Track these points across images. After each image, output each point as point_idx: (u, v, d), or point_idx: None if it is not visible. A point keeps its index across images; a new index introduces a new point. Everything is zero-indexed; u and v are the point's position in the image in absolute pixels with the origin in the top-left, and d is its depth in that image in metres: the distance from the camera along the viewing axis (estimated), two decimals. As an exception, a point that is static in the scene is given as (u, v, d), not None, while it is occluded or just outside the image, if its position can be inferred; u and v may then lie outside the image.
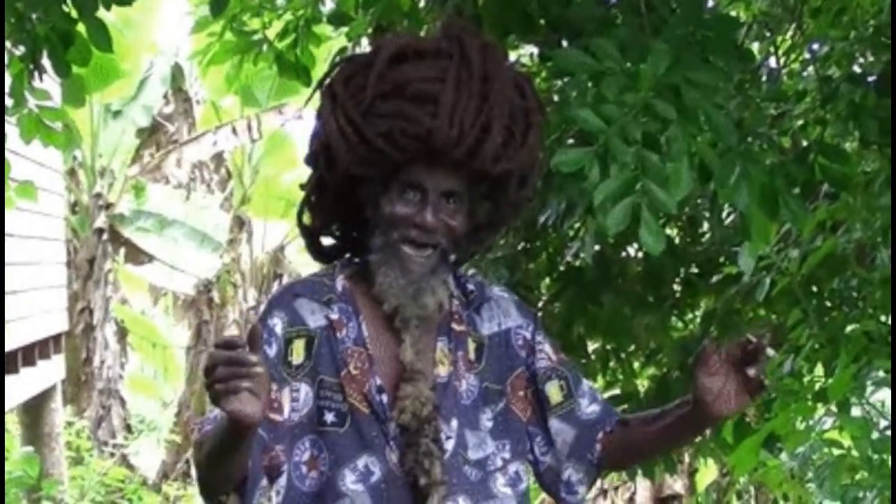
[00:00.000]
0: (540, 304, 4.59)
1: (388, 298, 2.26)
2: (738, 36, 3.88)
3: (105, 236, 14.03)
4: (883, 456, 3.52)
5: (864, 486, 3.67)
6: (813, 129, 3.50)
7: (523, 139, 2.29)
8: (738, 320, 4.47)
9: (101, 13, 3.53)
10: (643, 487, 9.38)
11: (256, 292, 15.09)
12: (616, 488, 9.70)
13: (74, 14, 3.56)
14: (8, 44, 3.70)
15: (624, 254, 4.67)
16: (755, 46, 4.37)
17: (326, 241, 2.44)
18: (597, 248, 4.30)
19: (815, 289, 4.14)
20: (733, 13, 4.22)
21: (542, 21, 3.58)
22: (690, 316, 4.85)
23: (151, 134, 15.02)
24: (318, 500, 2.23)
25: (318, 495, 2.23)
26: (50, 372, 10.30)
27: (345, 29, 4.36)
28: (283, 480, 2.22)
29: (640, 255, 4.56)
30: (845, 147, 3.66)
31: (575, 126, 2.98)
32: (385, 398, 2.25)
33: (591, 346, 4.80)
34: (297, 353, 2.25)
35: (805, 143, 3.41)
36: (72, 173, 14.08)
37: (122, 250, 14.73)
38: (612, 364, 4.77)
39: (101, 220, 14.00)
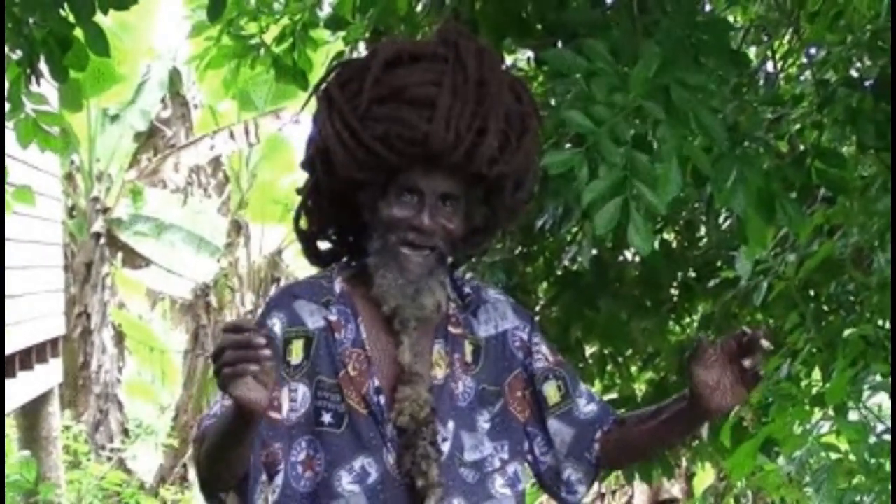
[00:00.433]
0: (537, 308, 4.59)
1: (387, 299, 2.27)
2: (735, 40, 3.89)
3: (102, 240, 14.03)
4: (880, 460, 3.52)
5: (862, 490, 3.66)
6: (810, 133, 3.50)
7: (519, 143, 2.30)
8: (736, 324, 4.47)
9: (99, 17, 3.53)
10: (640, 491, 9.37)
11: (254, 296, 15.08)
12: (613, 492, 9.69)
13: (72, 18, 3.56)
14: (6, 48, 3.70)
15: (621, 258, 4.67)
16: (752, 50, 4.37)
17: (323, 245, 2.45)
18: (594, 252, 4.30)
19: (812, 293, 4.15)
20: (730, 17, 4.23)
21: (538, 25, 3.58)
22: (688, 320, 4.85)
23: (149, 138, 15.03)
24: (313, 500, 2.24)
25: (314, 495, 2.24)
26: (47, 376, 10.30)
27: (342, 33, 4.36)
28: (279, 479, 2.22)
29: (638, 259, 4.57)
30: (842, 151, 3.66)
31: (569, 129, 2.98)
32: (383, 399, 2.26)
33: (589, 351, 4.80)
34: (296, 354, 2.26)
35: (802, 147, 3.41)
36: (69, 177, 14.08)
37: (120, 254, 14.74)
38: (609, 368, 4.77)
39: (98, 225, 14.00)
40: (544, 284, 4.74)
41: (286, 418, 2.22)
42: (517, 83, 2.37)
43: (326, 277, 2.35)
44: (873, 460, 3.53)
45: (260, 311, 2.36)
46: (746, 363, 2.19)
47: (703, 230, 4.70)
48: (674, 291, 4.72)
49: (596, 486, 8.82)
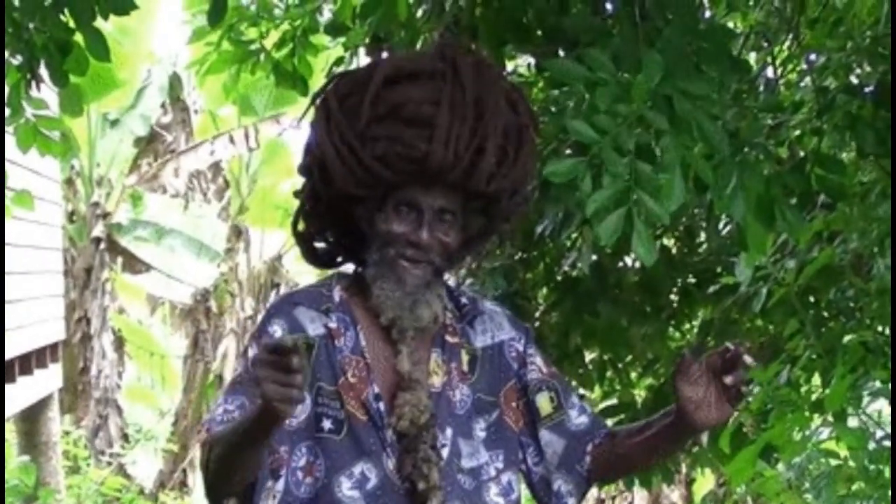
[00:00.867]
0: (537, 314, 4.59)
1: (385, 310, 2.28)
2: (735, 46, 3.89)
3: (102, 245, 14.03)
4: (879, 466, 3.52)
5: (861, 496, 3.66)
6: (810, 140, 3.50)
7: (516, 156, 2.32)
8: (735, 330, 4.47)
9: (99, 23, 3.53)
10: (640, 497, 9.38)
11: (254, 301, 15.08)
12: (613, 498, 9.70)
13: (72, 24, 3.56)
14: (6, 53, 3.70)
15: (621, 264, 4.67)
16: (752, 57, 4.38)
17: (321, 245, 2.45)
18: (594, 258, 4.31)
19: (811, 299, 4.15)
20: (730, 24, 4.23)
21: (538, 31, 3.59)
22: (687, 326, 4.86)
23: (149, 143, 15.02)
24: (313, 506, 2.25)
25: (314, 501, 2.25)
26: (47, 381, 10.30)
27: (342, 39, 4.37)
28: (280, 485, 2.23)
29: (637, 265, 4.57)
30: (842, 157, 3.67)
31: (571, 137, 2.99)
32: (382, 406, 2.27)
33: (589, 356, 4.81)
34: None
35: (802, 154, 3.41)
36: (69, 182, 14.08)
37: (120, 259, 14.73)
38: (609, 374, 4.78)
39: (98, 230, 14.00)
40: (544, 290, 4.75)
41: (287, 424, 2.22)
42: (515, 94, 2.38)
43: (326, 286, 2.36)
44: (873, 466, 3.53)
45: (260, 318, 2.37)
46: (728, 380, 2.20)
47: (702, 236, 4.70)
48: (674, 297, 4.72)
49: (595, 491, 8.82)
